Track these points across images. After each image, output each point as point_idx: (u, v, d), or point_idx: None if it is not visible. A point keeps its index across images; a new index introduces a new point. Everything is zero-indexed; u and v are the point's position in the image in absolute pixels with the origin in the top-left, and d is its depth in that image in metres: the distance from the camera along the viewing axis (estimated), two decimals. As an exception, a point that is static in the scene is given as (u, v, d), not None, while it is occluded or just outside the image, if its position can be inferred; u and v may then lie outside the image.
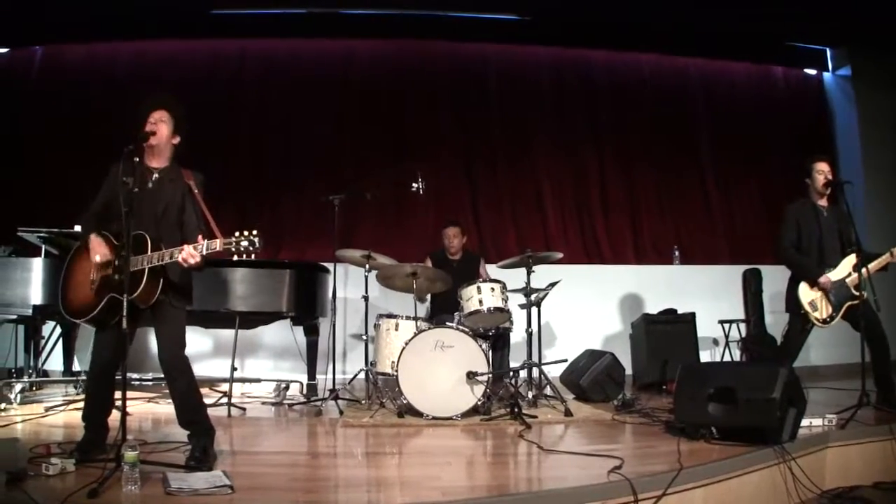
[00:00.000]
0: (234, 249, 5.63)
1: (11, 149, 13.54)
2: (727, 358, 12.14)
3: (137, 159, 6.04)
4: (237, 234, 5.67)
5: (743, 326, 12.23)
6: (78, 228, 7.16)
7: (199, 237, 5.85)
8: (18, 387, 9.36)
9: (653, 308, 12.13)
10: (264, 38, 14.00)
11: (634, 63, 14.52)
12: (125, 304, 5.64)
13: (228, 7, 13.51)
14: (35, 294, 9.21)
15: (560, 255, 9.92)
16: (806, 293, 8.54)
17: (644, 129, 14.16)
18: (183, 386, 6.30)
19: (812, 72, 15.11)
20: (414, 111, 13.90)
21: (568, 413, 8.54)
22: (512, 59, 14.27)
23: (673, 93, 14.45)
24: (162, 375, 6.53)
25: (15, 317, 9.60)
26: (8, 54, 14.34)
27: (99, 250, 6.16)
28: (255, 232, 5.68)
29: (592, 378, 9.69)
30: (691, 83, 14.61)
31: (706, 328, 11.92)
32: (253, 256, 5.69)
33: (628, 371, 10.78)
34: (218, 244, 5.69)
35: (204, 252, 5.74)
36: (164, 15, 13.39)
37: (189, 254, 5.74)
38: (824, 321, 8.53)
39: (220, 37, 13.98)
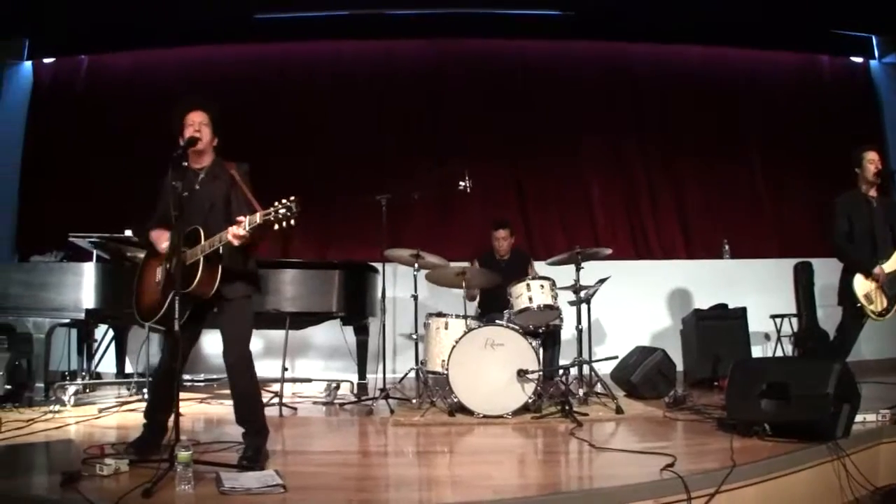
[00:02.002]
0: (273, 219, 5.62)
1: (60, 157, 13.70)
2: (779, 353, 12.04)
3: (186, 164, 6.08)
4: (276, 203, 5.68)
5: (795, 321, 12.13)
6: (128, 233, 7.24)
7: (239, 218, 5.88)
8: (72, 389, 9.43)
9: (703, 303, 12.03)
10: (307, 40, 14.11)
11: (678, 56, 14.42)
12: (176, 305, 5.68)
13: (271, 11, 13.54)
14: (87, 298, 9.27)
15: (609, 251, 9.90)
16: (861, 285, 8.45)
17: (690, 123, 14.07)
18: (244, 383, 6.38)
19: (858, 60, 14.90)
20: (458, 110, 13.94)
21: (619, 410, 8.53)
22: (555, 56, 14.26)
23: (718, 85, 14.34)
24: (214, 376, 6.58)
25: (68, 321, 9.67)
26: (54, 64, 14.50)
27: (163, 238, 6.28)
28: (292, 198, 5.66)
29: (643, 375, 9.64)
30: (735, 74, 14.48)
31: (757, 323, 11.83)
32: (292, 223, 5.67)
33: (679, 367, 10.66)
34: (258, 217, 5.71)
35: (247, 227, 5.75)
36: (207, 21, 13.51)
37: (234, 233, 5.78)
38: (880, 314, 8.45)
39: (263, 41, 14.12)
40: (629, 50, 14.34)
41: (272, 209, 5.65)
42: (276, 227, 5.67)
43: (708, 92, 14.23)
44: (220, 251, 6.00)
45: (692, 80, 14.30)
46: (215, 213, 6.28)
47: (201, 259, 5.97)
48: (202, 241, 6.00)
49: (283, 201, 5.64)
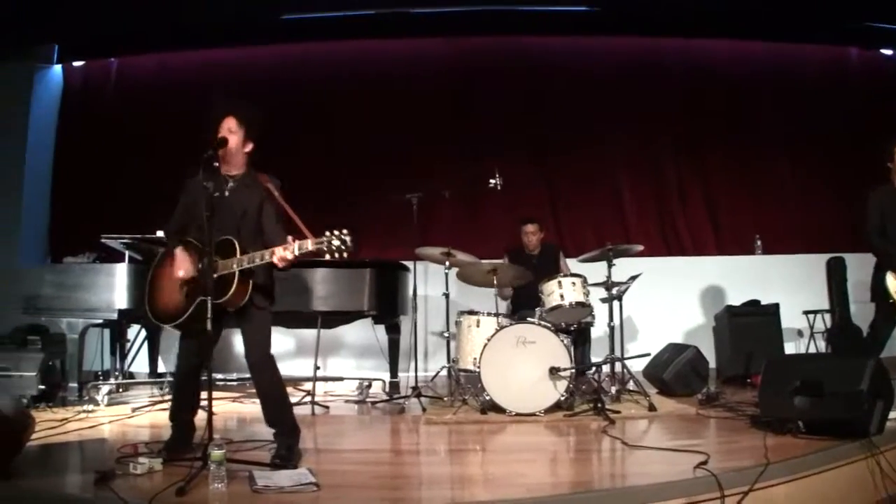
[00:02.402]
0: (325, 249, 5.64)
1: (91, 159, 13.80)
2: (812, 349, 12.00)
3: (217, 164, 6.07)
4: (328, 233, 5.68)
5: (828, 317, 12.07)
6: (160, 234, 7.25)
7: (290, 238, 5.89)
8: (105, 389, 9.50)
9: (735, 299, 12.01)
10: (333, 40, 14.10)
11: (706, 50, 14.31)
12: (209, 306, 5.71)
13: (297, 12, 13.57)
14: (120, 298, 9.34)
15: (640, 248, 9.87)
16: (893, 282, 8.39)
17: (719, 117, 13.99)
18: (269, 385, 6.39)
19: (888, 52, 14.74)
20: (486, 108, 13.91)
21: (651, 408, 8.51)
22: (583, 52, 14.20)
23: (746, 79, 14.20)
24: (246, 375, 6.62)
25: (101, 321, 9.76)
26: (83, 67, 14.61)
27: (182, 266, 6.26)
28: (345, 231, 5.66)
29: (676, 372, 9.62)
30: (764, 68, 14.31)
31: (790, 319, 11.78)
32: (345, 255, 5.70)
33: (712, 364, 10.62)
34: (309, 244, 5.72)
35: (296, 252, 5.78)
36: (234, 23, 13.56)
37: (282, 256, 5.80)
38: (913, 310, 8.38)
39: (291, 41, 14.15)
40: (657, 45, 14.24)
41: (325, 238, 5.67)
42: (328, 256, 5.69)
43: (737, 86, 14.14)
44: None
45: (720, 74, 14.19)
46: (247, 223, 6.30)
47: (237, 273, 6.00)
48: (237, 254, 6.02)
49: (338, 233, 5.67)
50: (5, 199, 13.71)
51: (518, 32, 14.06)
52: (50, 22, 13.14)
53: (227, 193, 6.30)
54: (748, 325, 11.14)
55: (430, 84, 14.05)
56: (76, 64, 14.71)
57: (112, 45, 14.35)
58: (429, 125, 13.77)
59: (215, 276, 5.89)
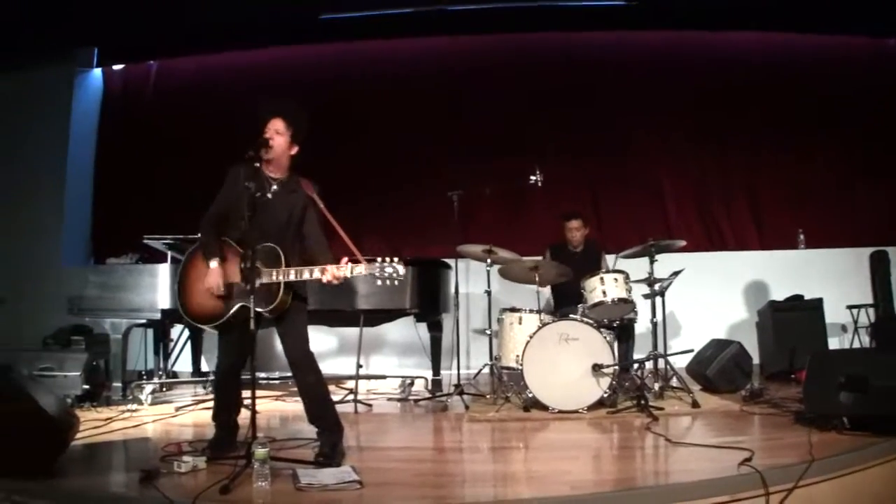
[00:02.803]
0: (377, 275, 5.70)
1: (132, 161, 13.93)
2: (856, 344, 11.89)
3: (258, 164, 6.09)
4: (380, 260, 5.75)
5: (872, 311, 11.99)
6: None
7: (344, 259, 5.92)
8: (149, 388, 9.59)
9: (779, 294, 11.95)
10: (371, 39, 14.16)
11: (747, 44, 14.17)
12: (252, 308, 5.74)
13: (335, 11, 13.59)
14: (162, 299, 9.43)
15: (683, 243, 9.81)
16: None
17: (760, 111, 13.83)
18: (311, 382, 6.38)
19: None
20: (526, 104, 13.88)
21: (695, 404, 8.46)
22: (623, 47, 14.14)
23: (787, 72, 14.03)
24: (289, 374, 6.61)
25: (144, 321, 9.85)
26: (123, 70, 14.73)
27: (213, 281, 6.24)
28: (396, 259, 5.76)
29: (719, 368, 9.56)
30: (806, 60, 14.14)
31: (834, 314, 11.68)
32: (396, 283, 5.75)
33: (755, 360, 10.59)
34: (363, 269, 5.78)
35: (349, 275, 5.83)
36: (273, 24, 13.63)
37: (334, 275, 5.84)
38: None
39: (329, 41, 14.19)
40: (697, 39, 14.16)
41: (378, 265, 5.78)
42: (379, 282, 5.76)
43: (777, 79, 13.97)
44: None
45: (760, 68, 14.04)
46: (290, 229, 6.33)
47: (283, 284, 6.02)
48: (282, 264, 6.05)
49: (388, 260, 5.76)
50: (49, 201, 13.88)
51: (556, 28, 14.02)
52: (89, 26, 13.26)
53: (269, 196, 6.30)
54: (791, 321, 11.08)
55: (469, 81, 14.05)
56: (116, 67, 14.87)
57: (151, 48, 14.50)
58: (469, 122, 13.77)
59: (258, 283, 5.92)
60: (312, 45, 14.32)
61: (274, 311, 6.09)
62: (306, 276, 5.94)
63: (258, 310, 5.86)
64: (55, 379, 9.10)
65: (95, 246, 14.45)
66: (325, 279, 5.85)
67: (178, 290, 6.59)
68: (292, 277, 5.98)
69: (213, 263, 6.26)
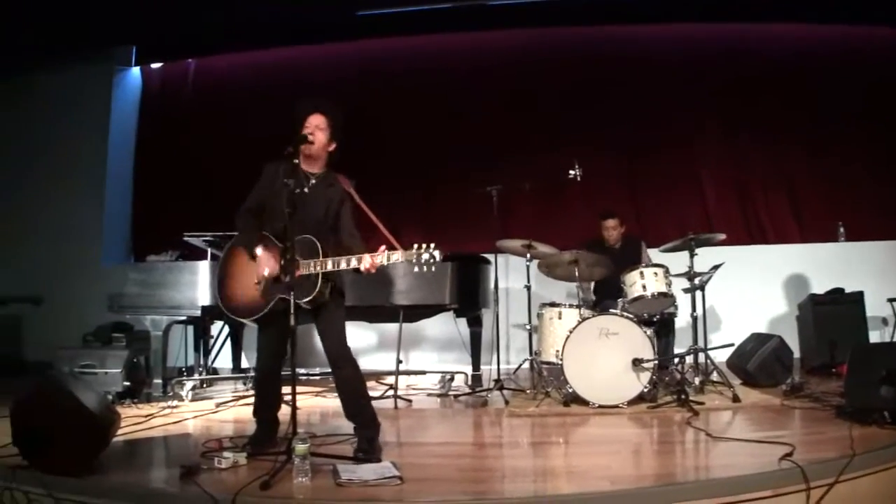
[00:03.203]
0: (414, 262, 5.70)
1: (171, 158, 14.03)
2: (898, 338, 11.84)
3: (297, 161, 6.11)
4: (416, 246, 5.75)
5: (914, 304, 11.90)
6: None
7: (382, 247, 5.93)
8: (189, 384, 9.68)
9: (819, 288, 11.85)
10: (409, 35, 14.18)
11: (785, 35, 13.99)
12: (292, 302, 5.76)
13: (373, 8, 13.62)
14: (203, 295, 9.47)
15: (723, 237, 9.79)
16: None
17: (799, 103, 13.63)
18: (349, 378, 6.42)
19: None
20: (564, 98, 13.83)
21: (735, 399, 8.43)
22: (660, 41, 14.04)
23: (826, 63, 13.82)
24: (328, 370, 6.64)
25: (184, 318, 9.88)
26: (162, 68, 14.83)
27: (268, 264, 6.27)
28: (433, 245, 5.74)
29: (760, 362, 9.52)
30: (844, 51, 13.96)
31: (875, 307, 11.53)
32: (433, 269, 5.73)
33: (796, 354, 10.50)
34: (399, 256, 5.78)
35: (385, 262, 5.84)
36: (310, 21, 13.65)
37: (372, 263, 5.85)
38: None
39: (367, 37, 14.21)
40: (735, 32, 14.01)
41: (415, 252, 5.76)
42: (416, 269, 5.74)
43: (818, 70, 13.79)
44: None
45: (799, 59, 13.88)
46: (326, 222, 6.36)
47: (321, 275, 6.04)
48: (319, 255, 6.07)
49: (425, 246, 5.74)
50: (89, 199, 13.99)
51: (595, 23, 13.95)
52: (127, 24, 13.34)
53: (306, 191, 6.33)
54: (832, 314, 11.00)
55: (507, 76, 14.00)
56: (154, 65, 14.96)
57: (189, 46, 14.59)
58: (507, 117, 13.73)
59: (297, 275, 5.94)
60: (350, 42, 14.33)
61: (312, 303, 6.11)
62: (343, 265, 5.97)
63: (297, 301, 5.87)
64: (96, 376, 9.19)
65: (135, 244, 14.56)
66: (362, 267, 5.87)
67: (218, 286, 6.65)
68: (330, 267, 6.00)
69: (259, 251, 6.32)
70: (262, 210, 6.41)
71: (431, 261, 5.70)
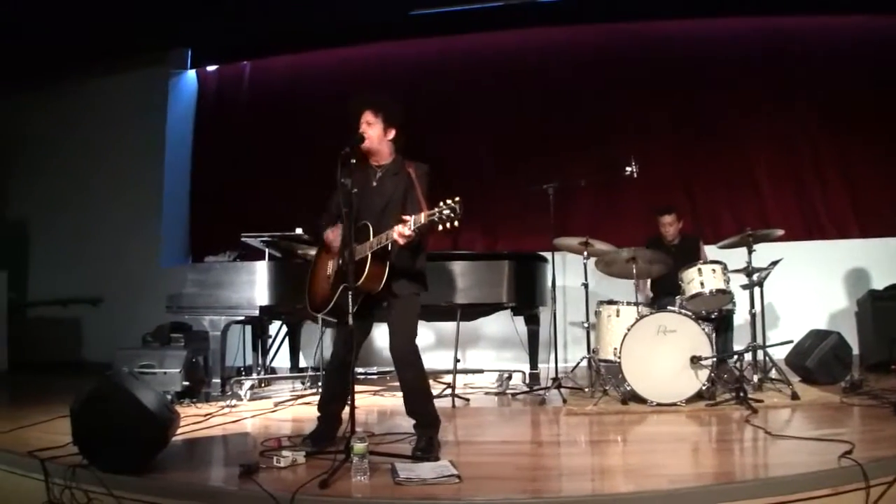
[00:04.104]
0: (437, 219, 5.66)
1: (228, 160, 14.14)
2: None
3: (354, 161, 6.16)
4: (440, 203, 5.71)
5: (976, 299, 11.77)
6: (299, 231, 7.38)
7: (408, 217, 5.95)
8: (248, 384, 9.74)
9: (879, 283, 11.76)
10: (463, 34, 14.24)
11: (838, 27, 13.81)
12: (350, 295, 5.84)
13: (426, 7, 13.66)
14: (260, 295, 9.55)
15: (781, 232, 9.70)
16: None
17: (856, 96, 13.48)
18: (412, 376, 6.45)
19: None
20: (620, 94, 13.84)
21: (794, 396, 8.35)
22: (714, 35, 13.97)
23: (883, 54, 13.66)
24: (386, 368, 6.70)
25: (242, 318, 9.95)
26: (217, 71, 14.95)
27: (333, 234, 6.51)
28: (456, 199, 5.66)
29: (818, 359, 9.45)
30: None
31: (936, 303, 11.46)
32: (456, 224, 5.69)
33: (855, 351, 10.40)
34: (422, 217, 5.76)
35: (412, 227, 5.81)
36: (363, 21, 13.76)
37: (399, 233, 5.85)
38: None
39: (420, 37, 14.31)
40: (789, 24, 13.90)
41: (436, 210, 5.67)
42: (441, 227, 5.70)
43: (873, 62, 13.64)
44: (388, 248, 6.09)
45: (856, 51, 13.70)
46: (389, 213, 6.36)
47: (369, 255, 6.07)
48: (371, 238, 6.10)
49: (448, 202, 5.65)
50: (147, 202, 14.17)
51: (650, 18, 13.91)
52: (182, 28, 13.46)
53: (373, 183, 6.46)
54: (892, 310, 10.88)
55: (562, 73, 14.02)
56: (210, 68, 15.08)
57: (243, 48, 14.73)
58: (562, 114, 13.77)
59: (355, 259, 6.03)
60: (403, 41, 14.43)
61: (366, 288, 6.14)
62: (384, 241, 6.01)
63: (353, 290, 5.90)
64: (155, 376, 9.27)
65: (193, 245, 14.70)
66: (395, 237, 5.89)
67: (308, 288, 6.86)
68: (375, 247, 6.05)
69: (329, 233, 6.62)
70: (339, 211, 6.45)
71: (452, 214, 5.63)
